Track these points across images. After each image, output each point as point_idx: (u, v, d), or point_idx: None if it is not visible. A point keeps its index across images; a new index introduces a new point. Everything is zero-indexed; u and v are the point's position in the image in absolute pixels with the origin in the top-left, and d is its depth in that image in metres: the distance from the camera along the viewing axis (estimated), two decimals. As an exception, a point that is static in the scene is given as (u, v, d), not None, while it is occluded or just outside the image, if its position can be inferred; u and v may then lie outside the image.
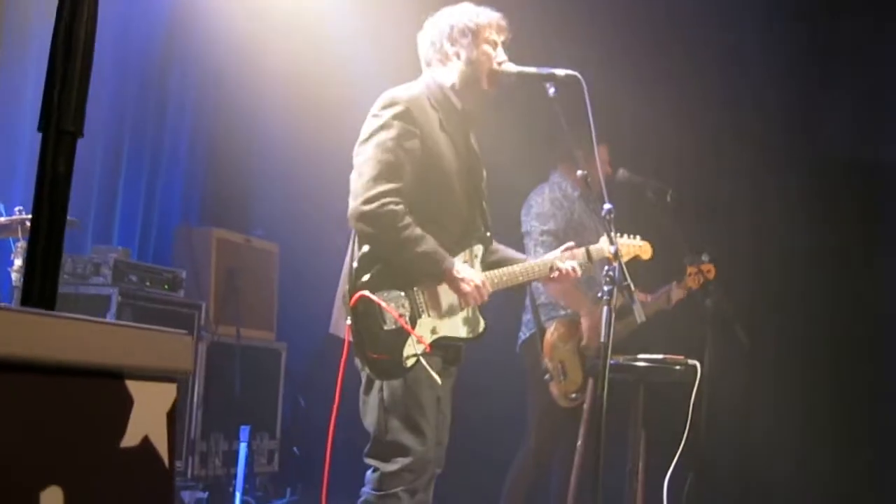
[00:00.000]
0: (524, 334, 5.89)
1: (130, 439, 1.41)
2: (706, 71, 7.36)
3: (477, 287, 4.00)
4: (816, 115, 7.34)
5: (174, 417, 1.49)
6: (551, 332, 5.66)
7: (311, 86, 8.09)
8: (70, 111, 1.78)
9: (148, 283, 6.53)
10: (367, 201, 3.81)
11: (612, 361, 4.96)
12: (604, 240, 4.47)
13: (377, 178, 3.85)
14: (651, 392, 5.21)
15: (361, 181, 3.86)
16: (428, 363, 3.88)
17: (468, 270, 4.03)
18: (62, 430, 1.32)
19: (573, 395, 5.56)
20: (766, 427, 6.89)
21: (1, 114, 6.57)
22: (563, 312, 5.76)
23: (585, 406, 5.32)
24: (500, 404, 7.09)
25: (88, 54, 1.80)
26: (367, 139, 3.95)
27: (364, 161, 3.91)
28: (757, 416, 6.91)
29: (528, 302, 5.86)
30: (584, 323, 5.66)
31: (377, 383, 3.91)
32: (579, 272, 4.33)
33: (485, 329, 4.12)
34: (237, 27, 8.03)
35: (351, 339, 3.78)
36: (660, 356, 5.05)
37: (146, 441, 1.43)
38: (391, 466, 3.89)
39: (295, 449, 7.95)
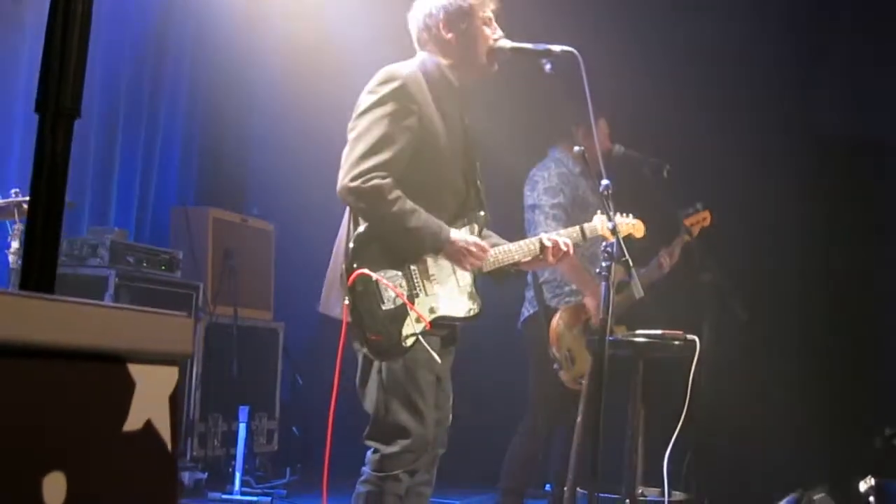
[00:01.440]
0: (527, 311, 5.86)
1: (133, 423, 1.40)
2: (705, 48, 7.34)
3: (472, 251, 3.93)
4: (815, 90, 7.33)
5: (176, 401, 1.48)
6: (556, 320, 5.62)
7: (307, 63, 8.07)
8: (68, 90, 1.76)
9: (145, 265, 6.52)
10: (354, 178, 3.75)
11: (610, 337, 5.01)
12: (597, 217, 4.47)
13: (366, 154, 3.79)
14: (650, 367, 5.20)
15: (351, 157, 3.81)
16: (427, 343, 3.85)
17: (462, 234, 3.98)
18: (64, 415, 1.30)
19: (582, 380, 5.55)
20: (765, 402, 6.88)
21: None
22: (566, 289, 5.75)
23: (584, 381, 5.31)
24: (499, 380, 7.10)
25: (86, 32, 1.79)
26: (361, 114, 3.89)
27: (356, 137, 3.86)
28: (756, 391, 6.90)
29: (530, 279, 5.84)
30: (590, 303, 5.62)
31: (375, 364, 3.88)
32: (571, 249, 4.27)
33: (482, 309, 4.08)
34: (234, 6, 8.01)
35: (349, 319, 3.75)
36: (658, 331, 5.04)
37: (149, 425, 1.42)
38: (391, 448, 3.86)
39: (294, 429, 7.95)
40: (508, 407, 6.26)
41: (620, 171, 5.86)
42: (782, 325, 7.01)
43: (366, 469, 3.93)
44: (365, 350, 3.80)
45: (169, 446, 1.44)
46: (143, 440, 1.40)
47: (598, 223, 4.43)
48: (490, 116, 7.14)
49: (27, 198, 5.13)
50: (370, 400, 3.92)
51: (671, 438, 4.80)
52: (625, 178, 5.72)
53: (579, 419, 5.17)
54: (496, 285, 4.22)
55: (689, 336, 4.92)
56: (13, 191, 5.33)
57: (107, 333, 1.37)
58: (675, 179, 5.88)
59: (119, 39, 7.42)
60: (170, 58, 7.93)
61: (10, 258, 5.30)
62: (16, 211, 5.30)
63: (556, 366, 5.53)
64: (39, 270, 1.74)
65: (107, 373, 1.37)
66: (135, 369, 1.39)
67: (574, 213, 5.65)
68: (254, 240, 7.71)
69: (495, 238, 4.26)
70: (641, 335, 5.07)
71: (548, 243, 4.17)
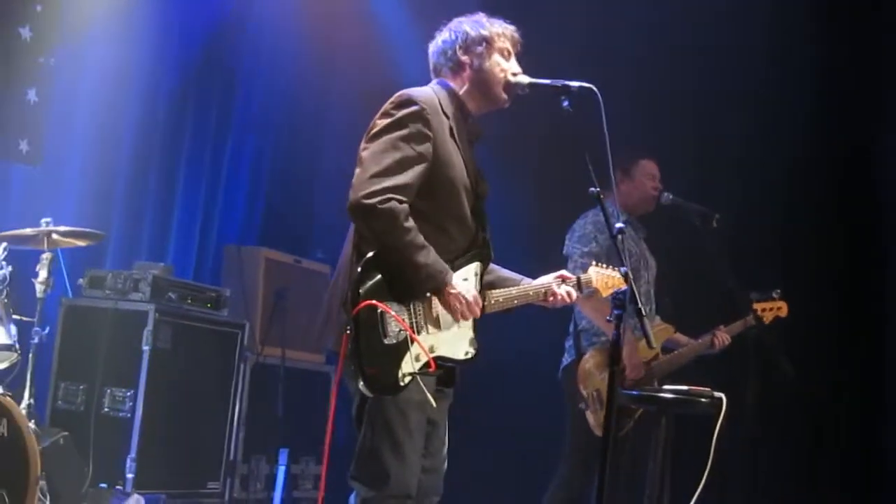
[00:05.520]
0: (565, 360, 5.76)
1: None
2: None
3: (468, 303, 3.81)
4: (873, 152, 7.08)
5: None
6: (586, 359, 5.53)
7: (378, 106, 8.02)
8: None
9: (189, 301, 6.46)
10: (369, 195, 3.61)
11: (635, 391, 4.80)
12: (592, 269, 4.34)
13: (381, 174, 3.66)
14: (683, 425, 4.98)
15: (366, 174, 3.66)
16: (423, 384, 3.70)
17: (462, 285, 3.85)
18: None
19: None
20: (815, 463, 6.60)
21: (55, 124, 6.62)
22: (603, 338, 5.60)
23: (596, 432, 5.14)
24: (534, 430, 6.91)
25: None
26: (376, 135, 3.79)
27: (370, 156, 3.72)
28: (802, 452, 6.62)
29: (571, 328, 5.71)
30: (625, 352, 5.44)
31: (368, 401, 3.75)
32: (574, 296, 4.14)
33: (478, 353, 3.93)
34: (305, 49, 8.01)
35: (348, 349, 3.60)
36: (684, 387, 4.80)
37: None
38: (372, 492, 3.76)
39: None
40: (541, 456, 6.08)
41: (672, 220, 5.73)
42: (831, 381, 6.74)
43: (349, 519, 3.82)
44: (361, 383, 3.64)
45: None
46: None
47: (593, 274, 4.30)
48: (540, 165, 7.07)
49: (57, 227, 5.19)
50: (359, 438, 3.84)
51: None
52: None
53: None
54: (505, 313, 4.08)
55: (717, 393, 4.66)
56: (43, 220, 5.34)
57: None
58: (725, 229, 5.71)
59: (185, 76, 7.47)
60: (239, 96, 7.95)
61: (38, 287, 5.29)
62: (45, 240, 5.31)
63: (582, 405, 5.37)
64: None
65: None
66: None
67: (610, 261, 5.46)
68: (308, 282, 7.59)
69: (498, 272, 4.16)
70: (667, 391, 4.84)
71: (557, 291, 4.12)
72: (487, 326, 4.07)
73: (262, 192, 8.21)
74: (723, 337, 5.78)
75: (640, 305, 3.87)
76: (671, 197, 5.76)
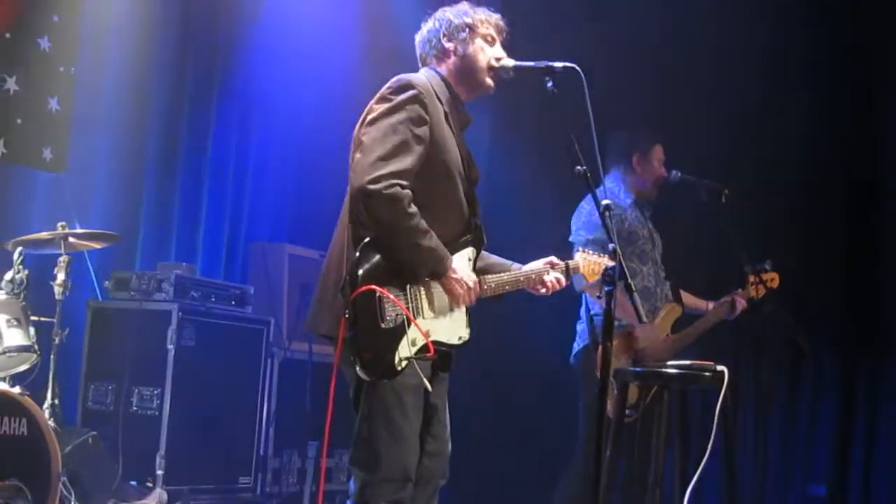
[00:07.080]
0: (578, 345, 5.69)
1: None
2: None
3: (469, 288, 3.86)
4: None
5: None
6: None
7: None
8: None
9: (213, 299, 6.55)
10: (375, 180, 3.62)
11: (637, 368, 4.81)
12: (579, 255, 4.30)
13: (384, 158, 3.68)
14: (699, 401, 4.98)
15: (369, 159, 3.67)
16: (418, 367, 3.73)
17: (464, 270, 3.90)
18: None
19: (628, 411, 5.33)
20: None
21: (78, 131, 6.73)
22: (616, 324, 5.54)
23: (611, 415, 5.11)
24: (548, 415, 6.90)
25: None
26: (376, 120, 3.80)
27: (373, 140, 3.73)
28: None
29: (582, 312, 5.67)
30: (639, 335, 5.44)
31: (365, 386, 3.79)
32: (564, 283, 4.16)
33: (471, 337, 3.96)
34: (331, 41, 8.02)
35: (345, 334, 3.63)
36: (687, 362, 4.78)
37: None
38: (370, 476, 3.77)
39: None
40: (556, 442, 6.07)
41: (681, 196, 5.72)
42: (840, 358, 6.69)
43: (349, 502, 3.85)
44: (358, 368, 3.67)
45: None
46: None
47: (580, 260, 4.27)
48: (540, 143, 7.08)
49: (73, 230, 5.29)
50: (356, 423, 3.86)
51: (699, 477, 4.54)
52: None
53: (608, 453, 4.94)
54: (496, 300, 4.09)
55: (719, 367, 4.64)
56: (59, 224, 5.44)
57: None
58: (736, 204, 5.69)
59: (208, 77, 7.56)
60: (263, 93, 8.00)
61: (56, 290, 5.39)
62: (61, 243, 5.41)
63: None
64: None
65: None
66: None
67: (619, 246, 5.45)
68: (333, 276, 7.64)
69: (487, 257, 4.18)
70: (669, 366, 4.82)
71: (547, 279, 4.13)
72: (489, 311, 4.12)
73: (289, 189, 8.24)
74: (741, 301, 5.76)
75: (629, 281, 3.92)
76: (679, 174, 5.72)
